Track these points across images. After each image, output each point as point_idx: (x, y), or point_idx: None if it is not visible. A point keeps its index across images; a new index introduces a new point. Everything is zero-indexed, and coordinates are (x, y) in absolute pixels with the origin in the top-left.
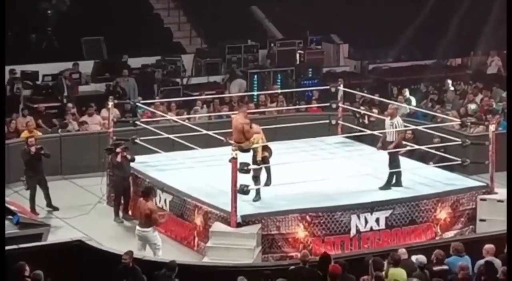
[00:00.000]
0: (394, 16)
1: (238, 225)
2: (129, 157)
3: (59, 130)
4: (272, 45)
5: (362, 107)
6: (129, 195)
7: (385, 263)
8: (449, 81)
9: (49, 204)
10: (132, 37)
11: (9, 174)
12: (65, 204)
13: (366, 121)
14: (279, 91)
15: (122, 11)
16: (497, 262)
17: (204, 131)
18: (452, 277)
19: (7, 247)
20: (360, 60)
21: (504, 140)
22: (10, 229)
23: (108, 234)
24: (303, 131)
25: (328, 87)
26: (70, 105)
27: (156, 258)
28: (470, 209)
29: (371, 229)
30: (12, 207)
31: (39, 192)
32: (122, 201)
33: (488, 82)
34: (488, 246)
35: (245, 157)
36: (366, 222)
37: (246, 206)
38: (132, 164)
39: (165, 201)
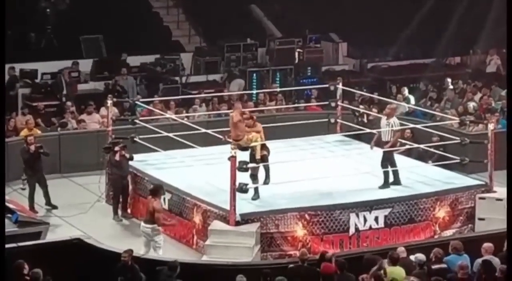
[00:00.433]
0: (393, 15)
1: (237, 223)
2: (127, 155)
3: (59, 129)
4: (270, 43)
5: (361, 106)
6: (128, 193)
7: (385, 261)
8: (449, 80)
9: (48, 202)
10: (131, 35)
11: (8, 172)
12: (64, 202)
13: (365, 120)
14: (278, 89)
15: (121, 10)
16: (496, 260)
17: (203, 130)
18: (451, 276)
19: (6, 246)
20: (359, 59)
21: (503, 139)
22: (9, 227)
23: (107, 232)
24: (302, 130)
25: (327, 85)
26: (69, 103)
27: (155, 256)
28: (469, 207)
29: (370, 227)
30: (11, 206)
31: (38, 191)
32: (121, 200)
33: (487, 81)
34: (487, 245)
35: (244, 156)
36: (365, 220)
37: (245, 204)
38: (131, 162)
39: (164, 199)
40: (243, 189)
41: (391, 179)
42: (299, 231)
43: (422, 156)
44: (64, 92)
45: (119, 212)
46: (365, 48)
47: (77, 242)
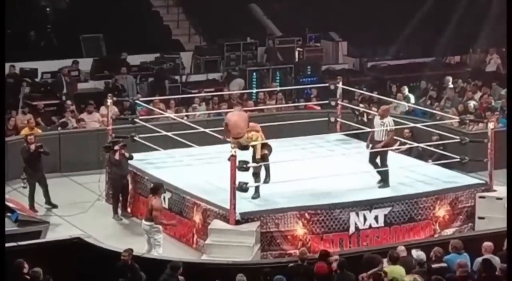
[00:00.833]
0: (393, 14)
1: (237, 222)
2: (127, 155)
3: (59, 129)
4: (270, 42)
5: (361, 105)
6: (128, 192)
7: (385, 261)
8: (449, 78)
9: (48, 201)
10: (131, 34)
11: (8, 171)
12: (64, 201)
13: (365, 119)
14: (278, 88)
15: (121, 9)
16: (496, 259)
17: (203, 129)
18: (450, 275)
19: (6, 245)
20: (359, 58)
21: (502, 138)
22: (9, 226)
23: (106, 231)
24: (302, 129)
25: (327, 84)
26: (69, 102)
27: (156, 256)
28: (469, 206)
29: (370, 226)
30: (11, 205)
31: (38, 190)
32: (121, 199)
33: (487, 80)
34: (487, 244)
35: (244, 155)
36: (365, 219)
37: (245, 203)
38: (131, 161)
39: (164, 198)
40: (243, 188)
41: (379, 177)
42: (299, 230)
43: (422, 155)
44: (64, 91)
45: (119, 211)
46: (365, 47)
47: (77, 241)
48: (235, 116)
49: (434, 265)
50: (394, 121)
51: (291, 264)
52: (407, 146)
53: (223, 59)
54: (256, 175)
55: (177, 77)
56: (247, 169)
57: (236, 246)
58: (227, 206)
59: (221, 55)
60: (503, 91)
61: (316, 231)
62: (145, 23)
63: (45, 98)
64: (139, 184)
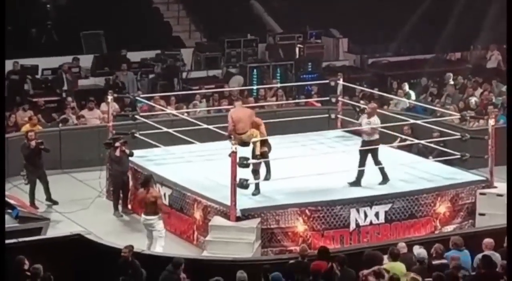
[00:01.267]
0: (394, 10)
1: (238, 219)
2: (127, 151)
3: (60, 125)
4: (270, 39)
5: (361, 101)
6: (128, 189)
7: (385, 257)
8: (450, 75)
9: (48, 198)
10: (132, 31)
11: (8, 168)
12: (64, 198)
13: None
14: (278, 85)
15: (122, 6)
16: (497, 256)
17: (204, 125)
18: (451, 272)
19: (6, 241)
20: (360, 54)
21: (503, 134)
22: (10, 223)
23: (107, 228)
24: (302, 125)
25: (327, 81)
26: (69, 99)
27: (156, 252)
28: (469, 203)
29: (371, 223)
30: (11, 201)
31: (39, 186)
32: (121, 195)
33: (488, 76)
34: (487, 240)
35: (245, 151)
36: (366, 216)
37: (245, 200)
38: (131, 158)
39: (164, 195)
40: (243, 184)
41: (359, 175)
42: (300, 226)
43: (423, 152)
44: (65, 87)
45: (120, 208)
46: (366, 44)
47: (77, 238)
48: (239, 112)
49: (435, 262)
50: (393, 117)
51: (291, 261)
52: (408, 142)
53: (224, 55)
54: (255, 172)
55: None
56: (247, 165)
57: (237, 243)
58: (228, 202)
59: (222, 51)
60: (504, 88)
61: (316, 227)
62: (146, 19)
63: (46, 94)
64: (139, 180)
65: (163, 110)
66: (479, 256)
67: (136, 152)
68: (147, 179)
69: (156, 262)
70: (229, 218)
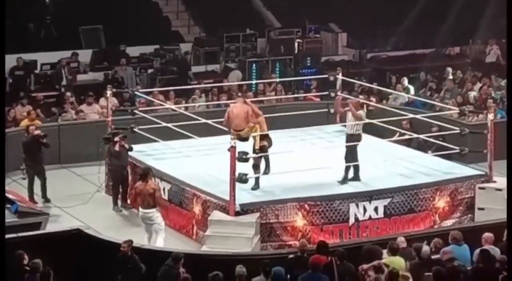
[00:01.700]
0: (393, 5)
1: (237, 213)
2: (127, 146)
3: (59, 119)
4: (270, 33)
5: (360, 96)
6: (127, 184)
7: (384, 252)
8: (449, 69)
9: (43, 195)
10: (131, 26)
11: (7, 163)
12: (63, 193)
13: (364, 110)
14: (277, 80)
15: (121, 0)
16: (496, 250)
17: (203, 120)
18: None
19: (5, 236)
20: (359, 49)
21: (502, 129)
22: (9, 218)
23: (106, 223)
24: (301, 120)
25: (326, 76)
26: (68, 94)
27: (155, 247)
28: (468, 197)
29: (370, 217)
30: (10, 196)
31: (37, 181)
32: (121, 190)
33: (487, 71)
34: (487, 235)
35: (244, 146)
36: (365, 210)
37: (244, 194)
38: (130, 153)
39: (163, 189)
40: (242, 179)
41: (350, 174)
42: (299, 221)
43: (422, 146)
44: (64, 82)
45: (119, 202)
46: (365, 39)
47: (76, 232)
48: (238, 108)
49: (434, 256)
50: (392, 112)
51: (291, 256)
52: (407, 137)
53: (223, 50)
54: (256, 167)
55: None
56: (246, 160)
57: (236, 237)
58: (227, 197)
59: (221, 46)
60: (503, 82)
61: (316, 222)
62: (145, 14)
63: (45, 89)
64: (138, 175)
65: (162, 105)
66: (478, 250)
67: (136, 147)
68: (146, 172)
69: (156, 256)
70: (228, 213)
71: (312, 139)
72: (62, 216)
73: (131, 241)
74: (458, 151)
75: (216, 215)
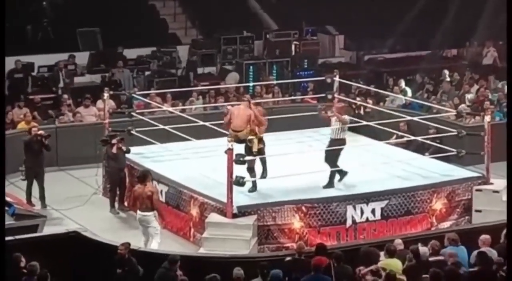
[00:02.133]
0: (390, 7)
1: (234, 216)
2: (124, 148)
3: (56, 121)
4: (267, 36)
5: (357, 98)
6: (125, 186)
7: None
8: (446, 72)
9: (41, 199)
10: (128, 28)
11: (5, 165)
12: (61, 195)
13: (361, 112)
14: (274, 82)
15: (118, 3)
16: (493, 252)
17: (200, 122)
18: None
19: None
20: (356, 51)
21: (499, 131)
22: (6, 220)
23: (103, 225)
24: (298, 122)
25: (323, 78)
26: (65, 96)
27: (153, 249)
28: (466, 199)
29: (367, 219)
30: (8, 199)
31: (35, 184)
32: (118, 193)
33: (484, 73)
34: (484, 237)
35: (241, 149)
36: (362, 212)
37: (242, 197)
38: (127, 155)
39: (161, 192)
40: (240, 182)
41: (337, 177)
42: (296, 223)
43: (419, 148)
44: (61, 85)
45: (116, 205)
46: (362, 41)
47: (74, 235)
48: (241, 110)
49: (431, 258)
50: (389, 114)
51: (288, 258)
52: (404, 139)
53: (220, 52)
54: (250, 170)
55: (173, 71)
56: (244, 162)
57: (233, 240)
58: (224, 199)
59: (218, 48)
60: (500, 84)
61: (313, 224)
62: (142, 16)
63: (42, 92)
64: (135, 178)
65: (159, 107)
66: (475, 252)
67: (133, 149)
68: (145, 175)
69: (153, 259)
70: (225, 215)
71: (309, 141)
72: (59, 219)
73: (129, 244)
74: (455, 153)
75: (214, 217)
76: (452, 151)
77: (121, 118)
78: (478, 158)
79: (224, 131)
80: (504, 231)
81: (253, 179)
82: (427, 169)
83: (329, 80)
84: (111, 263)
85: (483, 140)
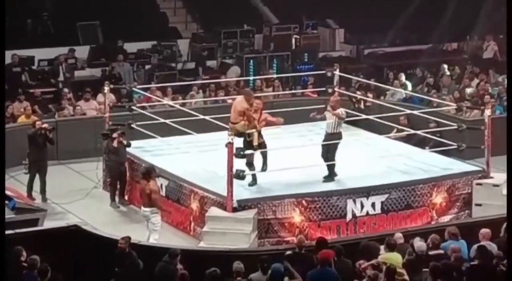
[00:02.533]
0: (390, 1)
1: (234, 210)
2: (125, 142)
3: (56, 115)
4: (267, 29)
5: (358, 92)
6: (125, 180)
7: (382, 248)
8: (445, 66)
9: (42, 193)
10: (128, 22)
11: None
12: (61, 189)
13: (362, 106)
14: (275, 76)
15: None
16: (493, 246)
17: (200, 116)
18: (446, 262)
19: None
20: (356, 45)
21: (499, 125)
22: (6, 214)
23: (104, 219)
24: (299, 116)
25: (324, 72)
26: (66, 90)
27: (152, 243)
28: (466, 193)
29: (367, 213)
30: (8, 192)
31: (38, 178)
32: (118, 186)
33: (484, 67)
34: (484, 231)
35: (241, 142)
36: (362, 206)
37: (242, 191)
38: (128, 149)
39: (161, 186)
40: (240, 175)
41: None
42: (296, 217)
43: (419, 142)
44: (61, 78)
45: (116, 199)
46: (362, 34)
47: (74, 228)
48: (236, 102)
49: (431, 252)
50: (389, 108)
51: (288, 252)
52: (404, 133)
53: (220, 46)
54: (249, 164)
55: (173, 65)
56: (244, 156)
57: (234, 234)
58: (225, 193)
59: (218, 42)
60: (500, 78)
61: (313, 218)
62: (142, 10)
63: (42, 85)
64: (136, 171)
65: (159, 101)
66: (475, 246)
67: (133, 143)
68: (149, 171)
69: (153, 253)
70: (225, 209)
71: (309, 135)
72: (60, 213)
73: (129, 237)
74: (455, 147)
75: (214, 211)
76: (452, 145)
77: (121, 112)
78: (478, 152)
79: (224, 125)
80: (504, 225)
81: (253, 172)
82: (427, 163)
83: (329, 74)
84: (112, 257)
85: (483, 134)
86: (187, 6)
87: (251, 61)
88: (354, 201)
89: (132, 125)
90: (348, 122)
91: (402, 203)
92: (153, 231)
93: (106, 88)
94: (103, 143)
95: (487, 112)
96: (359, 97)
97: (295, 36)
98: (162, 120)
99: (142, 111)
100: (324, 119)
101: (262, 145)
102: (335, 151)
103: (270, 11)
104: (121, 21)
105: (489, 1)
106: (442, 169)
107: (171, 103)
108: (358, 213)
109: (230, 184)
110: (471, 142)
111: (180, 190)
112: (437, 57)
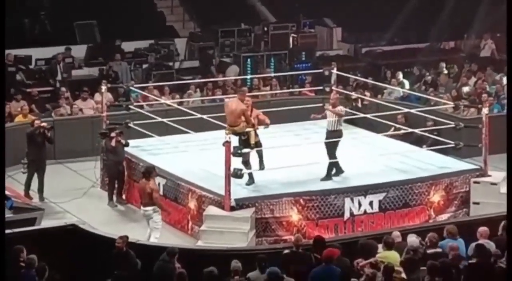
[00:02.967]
0: None
1: (232, 208)
2: (123, 141)
3: (52, 114)
4: (264, 28)
5: (355, 91)
6: (123, 179)
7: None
8: (443, 64)
9: (40, 193)
10: (125, 21)
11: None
12: (59, 188)
13: (359, 105)
14: (272, 74)
15: None
16: (491, 244)
17: (198, 115)
18: (444, 260)
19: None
20: (354, 44)
21: (497, 123)
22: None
23: (101, 218)
24: (296, 115)
25: (321, 70)
26: (63, 89)
27: (150, 242)
28: (463, 192)
29: (365, 212)
30: (6, 192)
31: (36, 177)
32: (116, 185)
33: (482, 65)
34: (482, 229)
35: (235, 141)
36: (360, 205)
37: (240, 189)
38: (125, 148)
39: (159, 184)
40: (238, 174)
41: (334, 171)
42: (294, 216)
43: (417, 141)
44: (59, 78)
45: (114, 198)
46: (360, 33)
47: (72, 228)
48: (233, 105)
49: (429, 251)
50: (387, 107)
51: (286, 251)
52: (402, 131)
53: (217, 45)
54: (246, 163)
55: (171, 64)
56: (241, 154)
57: (231, 232)
58: (222, 192)
59: (215, 41)
60: (498, 76)
61: (311, 217)
62: (139, 9)
63: (39, 85)
64: (134, 170)
65: (157, 100)
66: (473, 245)
67: (131, 142)
68: (149, 170)
69: (151, 252)
70: (223, 208)
71: (307, 133)
72: (58, 212)
73: (127, 237)
74: (453, 145)
75: (211, 210)
76: (450, 144)
77: (118, 111)
78: (475, 150)
79: (221, 124)
80: (502, 223)
81: (250, 171)
82: (424, 162)
83: (327, 73)
84: (109, 256)
85: (481, 133)
86: (184, 5)
87: (249, 60)
88: (352, 200)
89: (130, 124)
90: (345, 121)
91: (400, 202)
92: (155, 229)
93: (104, 87)
94: (101, 142)
95: (485, 110)
96: (356, 95)
97: (292, 35)
98: (160, 119)
99: (139, 110)
100: (325, 118)
101: (258, 144)
102: (335, 148)
103: (268, 10)
104: (118, 20)
105: (486, 0)
106: (439, 168)
107: (168, 102)
108: (356, 212)
109: (228, 183)
110: (469, 140)
111: (178, 189)
112: (435, 56)
